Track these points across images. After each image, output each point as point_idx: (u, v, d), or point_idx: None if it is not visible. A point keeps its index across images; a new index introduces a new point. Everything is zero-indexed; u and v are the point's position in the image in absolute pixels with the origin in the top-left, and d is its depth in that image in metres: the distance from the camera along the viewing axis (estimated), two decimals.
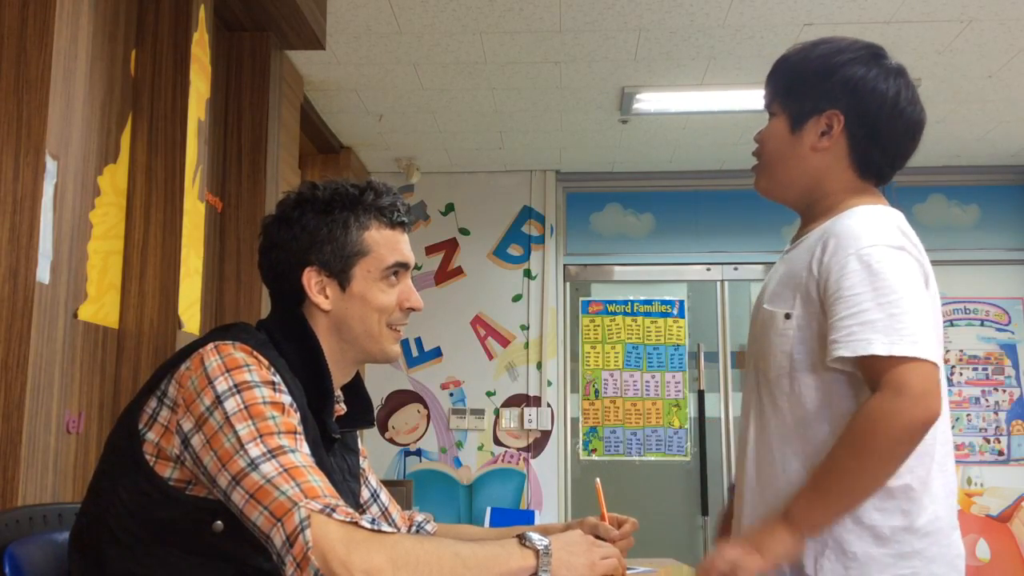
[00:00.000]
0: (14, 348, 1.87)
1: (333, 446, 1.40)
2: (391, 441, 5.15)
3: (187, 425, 1.20)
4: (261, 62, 3.07)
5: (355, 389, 1.52)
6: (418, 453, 5.13)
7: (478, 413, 5.13)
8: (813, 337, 1.46)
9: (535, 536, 1.23)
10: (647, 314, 5.27)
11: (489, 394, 5.15)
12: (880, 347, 1.34)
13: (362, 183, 1.44)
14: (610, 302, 5.29)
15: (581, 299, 5.31)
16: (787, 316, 1.48)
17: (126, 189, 2.38)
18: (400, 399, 5.18)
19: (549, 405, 5.11)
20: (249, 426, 1.18)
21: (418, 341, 5.20)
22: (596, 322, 5.28)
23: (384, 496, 1.65)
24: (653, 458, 5.15)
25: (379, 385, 5.15)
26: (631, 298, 5.30)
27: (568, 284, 5.34)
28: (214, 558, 1.22)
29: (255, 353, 1.26)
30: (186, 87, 2.43)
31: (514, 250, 5.27)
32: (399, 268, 1.43)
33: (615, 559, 1.32)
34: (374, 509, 1.63)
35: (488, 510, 4.95)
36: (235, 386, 1.21)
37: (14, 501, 1.82)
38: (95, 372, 2.22)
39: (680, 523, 5.13)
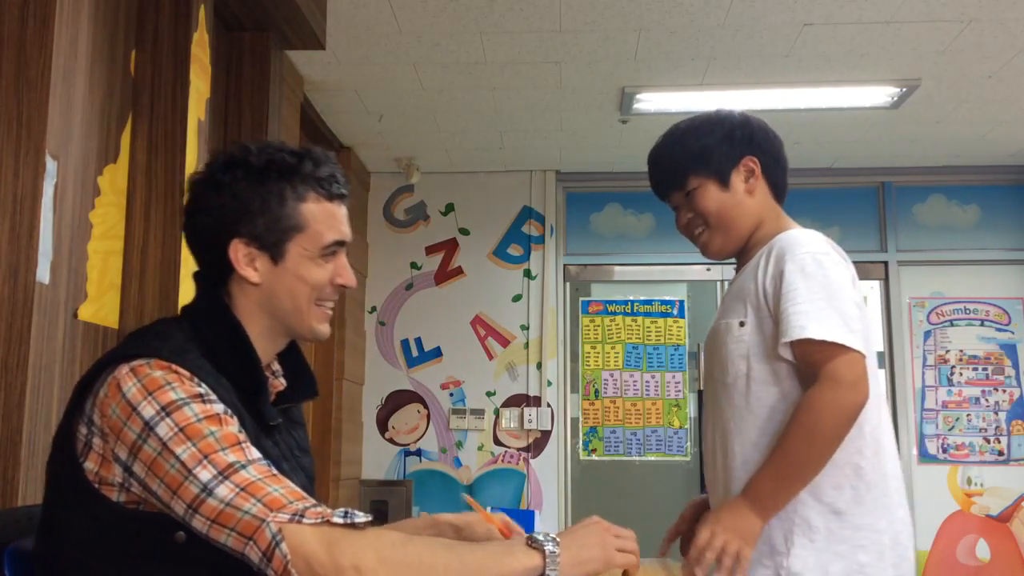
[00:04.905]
0: (14, 348, 1.87)
1: (274, 430, 1.34)
2: (391, 441, 5.15)
3: (122, 454, 1.15)
4: (261, 62, 3.07)
5: (293, 359, 1.45)
6: (418, 453, 5.13)
7: (478, 413, 5.13)
8: (765, 340, 1.69)
9: (541, 537, 1.19)
10: (647, 314, 5.27)
11: (489, 394, 5.15)
12: (814, 331, 1.58)
13: (300, 150, 1.35)
14: (610, 302, 5.29)
15: (581, 299, 5.31)
16: (741, 324, 1.72)
17: (126, 189, 2.38)
18: (400, 399, 5.18)
19: (549, 405, 5.11)
20: (189, 448, 1.12)
21: (418, 341, 5.20)
22: (596, 322, 5.27)
23: None
24: (653, 458, 5.15)
25: (379, 385, 5.15)
26: (631, 298, 5.30)
27: (568, 284, 5.34)
28: (185, 563, 1.17)
29: (173, 367, 1.18)
30: (186, 87, 2.43)
31: (514, 250, 5.27)
32: (336, 247, 1.35)
33: (632, 554, 1.24)
34: None
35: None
36: (162, 409, 1.14)
37: (14, 501, 1.82)
38: None
39: None
